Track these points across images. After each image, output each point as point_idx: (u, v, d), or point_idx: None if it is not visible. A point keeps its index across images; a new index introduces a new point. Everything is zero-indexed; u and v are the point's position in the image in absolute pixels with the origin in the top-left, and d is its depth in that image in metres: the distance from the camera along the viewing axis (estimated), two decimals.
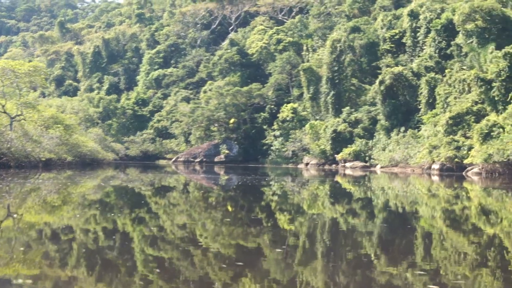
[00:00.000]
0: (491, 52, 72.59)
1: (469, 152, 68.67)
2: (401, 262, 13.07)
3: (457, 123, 75.02)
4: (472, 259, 13.43)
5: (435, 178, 61.14)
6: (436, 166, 71.83)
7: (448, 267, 12.43)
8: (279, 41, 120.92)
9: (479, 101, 77.01)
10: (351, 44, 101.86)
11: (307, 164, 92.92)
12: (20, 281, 10.45)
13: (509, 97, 68.85)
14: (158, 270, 11.74)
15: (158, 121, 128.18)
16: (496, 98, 71.01)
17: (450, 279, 10.99)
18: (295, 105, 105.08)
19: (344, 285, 10.74)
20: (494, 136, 66.58)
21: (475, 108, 74.83)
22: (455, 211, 25.75)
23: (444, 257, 13.71)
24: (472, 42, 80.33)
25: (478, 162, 65.63)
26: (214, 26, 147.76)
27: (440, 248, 14.79)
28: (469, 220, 22.29)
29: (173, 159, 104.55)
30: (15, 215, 19.73)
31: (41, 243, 14.88)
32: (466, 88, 79.19)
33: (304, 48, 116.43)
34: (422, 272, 11.38)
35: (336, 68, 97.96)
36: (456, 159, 69.93)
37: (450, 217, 23.16)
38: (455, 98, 78.14)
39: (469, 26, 79.72)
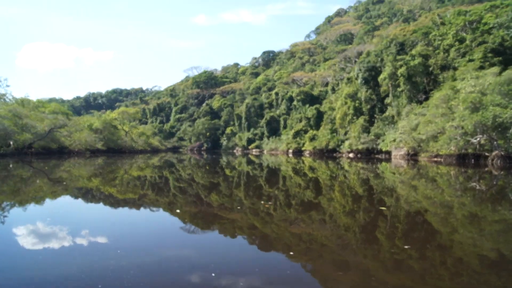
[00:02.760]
0: None
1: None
2: (271, 185, 13.49)
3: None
4: (300, 183, 14.00)
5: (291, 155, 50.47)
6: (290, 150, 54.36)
7: (293, 187, 12.99)
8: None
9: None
10: None
11: (237, 150, 77.50)
12: (128, 194, 10.52)
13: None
14: (180, 186, 12.08)
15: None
16: None
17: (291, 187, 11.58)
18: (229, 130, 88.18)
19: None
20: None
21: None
22: (296, 167, 24.51)
23: (290, 183, 14.23)
24: None
25: (310, 148, 48.52)
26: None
27: (289, 180, 15.35)
28: (303, 169, 21.85)
29: (187, 148, 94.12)
30: (127, 173, 18.98)
31: (135, 179, 14.62)
32: None
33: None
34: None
35: None
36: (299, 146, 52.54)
37: (294, 170, 22.40)
38: None
39: None
